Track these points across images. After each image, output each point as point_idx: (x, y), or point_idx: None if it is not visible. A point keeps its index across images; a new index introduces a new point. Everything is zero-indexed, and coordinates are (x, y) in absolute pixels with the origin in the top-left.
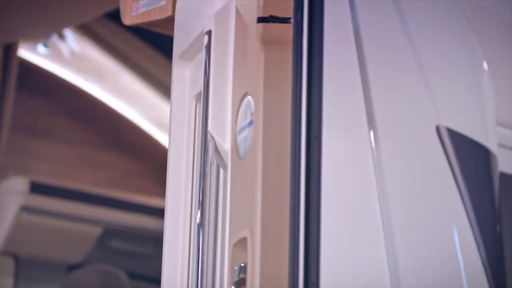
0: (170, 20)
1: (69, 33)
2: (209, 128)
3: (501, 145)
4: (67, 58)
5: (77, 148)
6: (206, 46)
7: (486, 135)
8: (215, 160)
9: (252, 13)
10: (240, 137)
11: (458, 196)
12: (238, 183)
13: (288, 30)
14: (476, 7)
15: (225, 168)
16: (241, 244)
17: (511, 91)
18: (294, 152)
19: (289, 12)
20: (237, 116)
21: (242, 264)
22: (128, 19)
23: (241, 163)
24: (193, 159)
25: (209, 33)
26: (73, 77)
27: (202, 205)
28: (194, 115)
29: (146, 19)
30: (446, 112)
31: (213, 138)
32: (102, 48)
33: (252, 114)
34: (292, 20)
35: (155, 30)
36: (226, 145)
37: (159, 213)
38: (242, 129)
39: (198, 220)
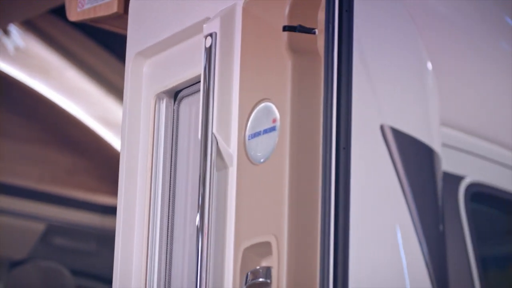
0: (116, 16)
1: (14, 29)
2: (214, 131)
3: (445, 145)
4: (12, 54)
5: (21, 144)
6: (208, 48)
7: (430, 134)
8: (215, 163)
9: (267, 18)
10: (253, 142)
11: (401, 195)
12: (250, 187)
13: (311, 40)
14: (422, 7)
15: (226, 171)
16: (255, 249)
17: (455, 91)
18: (325, 162)
19: (309, 23)
20: (247, 120)
21: (257, 268)
22: (73, 15)
23: (256, 168)
24: (152, 158)
25: (212, 35)
26: (17, 73)
27: (201, 208)
28: (153, 114)
29: (92, 15)
30: (390, 112)
31: (216, 141)
32: (47, 44)
33: (274, 121)
34: (316, 31)
35: (101, 26)
36: (231, 149)
37: (103, 210)
38: (256, 134)
39: (197, 223)
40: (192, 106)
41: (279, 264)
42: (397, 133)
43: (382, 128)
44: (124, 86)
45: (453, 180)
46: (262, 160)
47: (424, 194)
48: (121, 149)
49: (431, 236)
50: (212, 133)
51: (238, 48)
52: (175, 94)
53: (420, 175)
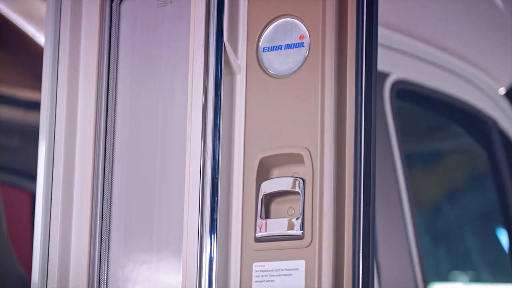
0: None
1: None
2: (224, 39)
3: None
4: None
5: None
6: None
7: None
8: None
9: None
10: (270, 55)
11: None
12: (267, 99)
13: None
14: None
15: (232, 78)
16: (273, 160)
17: None
18: (356, 84)
19: None
20: (261, 33)
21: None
22: None
23: (276, 80)
24: (99, 58)
25: None
26: None
27: (204, 118)
28: (99, 14)
29: None
30: None
31: (225, 50)
32: None
33: (302, 37)
34: None
35: None
36: (239, 59)
37: (26, 105)
38: (275, 48)
39: (200, 135)
40: (132, 9)
41: (313, 176)
42: None
43: None
44: None
45: (379, 77)
46: (286, 74)
47: None
48: (45, 44)
49: None
50: (221, 41)
51: None
52: None
53: None
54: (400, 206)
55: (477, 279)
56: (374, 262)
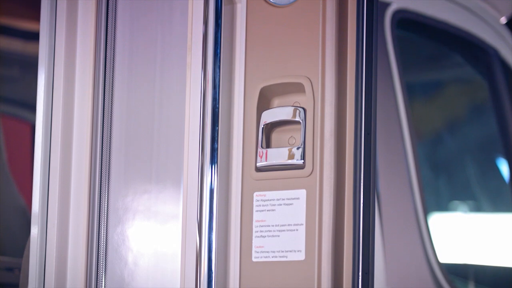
0: None
1: None
2: None
3: None
4: None
5: None
6: None
7: None
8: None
9: None
10: None
11: None
12: (269, 27)
13: None
14: None
15: (233, 7)
16: (273, 89)
17: None
18: (358, 14)
19: None
20: None
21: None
22: None
23: (276, 9)
24: None
25: None
26: None
27: (204, 47)
28: None
29: None
30: None
31: None
32: None
33: None
34: None
35: None
36: None
37: (26, 35)
38: None
39: (201, 63)
40: None
41: (314, 105)
42: None
43: None
44: None
45: (379, 6)
46: (286, 2)
47: None
48: None
49: None
50: None
51: None
52: None
53: None
54: (401, 136)
55: (477, 209)
56: (375, 191)
